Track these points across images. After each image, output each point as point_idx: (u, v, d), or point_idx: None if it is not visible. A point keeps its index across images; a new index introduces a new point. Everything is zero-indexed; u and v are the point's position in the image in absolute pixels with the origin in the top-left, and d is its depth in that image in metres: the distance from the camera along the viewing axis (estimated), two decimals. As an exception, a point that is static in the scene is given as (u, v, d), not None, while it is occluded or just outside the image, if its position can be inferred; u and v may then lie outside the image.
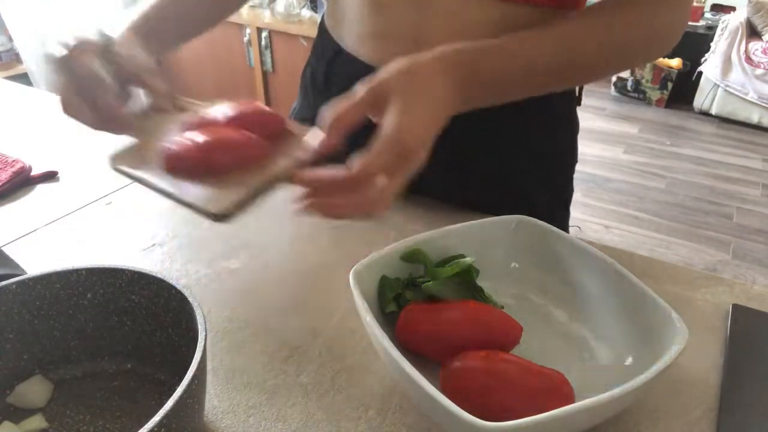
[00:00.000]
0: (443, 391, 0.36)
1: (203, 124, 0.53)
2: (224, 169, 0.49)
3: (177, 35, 0.68)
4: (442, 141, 0.61)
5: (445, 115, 0.49)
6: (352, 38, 0.68)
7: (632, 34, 0.55)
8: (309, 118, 0.79)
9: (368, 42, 0.66)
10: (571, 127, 0.73)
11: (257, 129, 0.52)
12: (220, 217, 0.46)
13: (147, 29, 0.62)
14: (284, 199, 0.52)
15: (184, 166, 0.49)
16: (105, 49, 0.55)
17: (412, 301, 0.47)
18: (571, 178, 0.78)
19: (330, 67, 0.71)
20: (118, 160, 0.52)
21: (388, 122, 0.45)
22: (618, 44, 0.55)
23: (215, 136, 0.51)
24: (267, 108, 0.57)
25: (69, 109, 0.54)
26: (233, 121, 0.53)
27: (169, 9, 0.65)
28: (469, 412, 0.34)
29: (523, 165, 0.69)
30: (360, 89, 0.47)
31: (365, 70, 0.67)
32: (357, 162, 0.44)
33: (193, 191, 0.48)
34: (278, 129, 0.55)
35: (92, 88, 0.53)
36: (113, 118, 0.54)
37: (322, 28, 0.74)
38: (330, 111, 0.47)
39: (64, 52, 0.53)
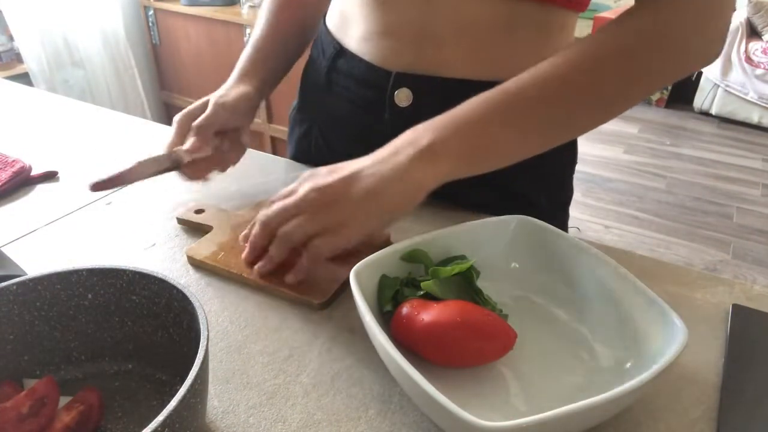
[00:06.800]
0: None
1: None
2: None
3: (281, 71, 0.75)
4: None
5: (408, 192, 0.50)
6: (355, 37, 0.67)
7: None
8: (309, 119, 0.79)
9: (372, 40, 0.66)
10: None
11: None
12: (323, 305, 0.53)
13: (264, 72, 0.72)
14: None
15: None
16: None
17: (407, 298, 0.47)
18: (571, 179, 0.78)
19: (331, 66, 0.71)
20: (193, 252, 0.58)
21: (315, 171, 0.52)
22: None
23: None
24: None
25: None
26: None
27: (269, 49, 0.72)
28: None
29: (523, 166, 0.69)
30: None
31: (368, 68, 0.67)
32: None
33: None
34: None
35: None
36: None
37: (323, 27, 0.74)
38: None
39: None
